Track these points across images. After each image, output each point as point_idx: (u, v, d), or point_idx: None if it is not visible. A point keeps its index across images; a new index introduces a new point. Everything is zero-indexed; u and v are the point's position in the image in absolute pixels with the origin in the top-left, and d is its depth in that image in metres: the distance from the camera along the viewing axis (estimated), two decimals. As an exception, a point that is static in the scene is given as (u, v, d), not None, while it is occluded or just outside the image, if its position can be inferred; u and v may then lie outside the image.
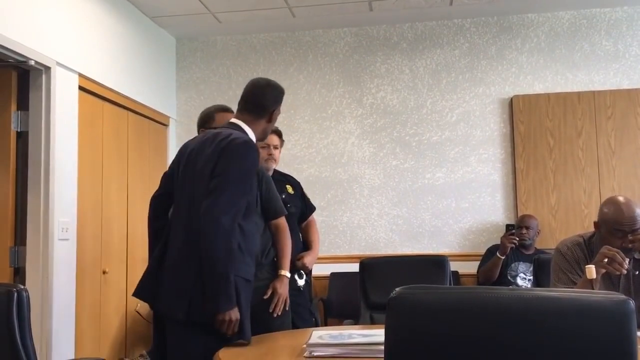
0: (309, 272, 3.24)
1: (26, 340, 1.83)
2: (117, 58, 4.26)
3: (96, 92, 3.97)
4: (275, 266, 2.77)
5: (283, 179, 3.32)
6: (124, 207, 4.29)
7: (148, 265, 2.41)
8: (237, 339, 2.13)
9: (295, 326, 2.89)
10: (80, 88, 3.77)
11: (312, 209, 3.42)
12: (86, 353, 3.72)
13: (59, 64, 3.52)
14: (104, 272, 3.97)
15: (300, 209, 3.30)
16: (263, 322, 2.54)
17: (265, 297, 2.63)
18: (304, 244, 3.30)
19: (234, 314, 2.08)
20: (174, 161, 2.49)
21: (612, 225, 2.40)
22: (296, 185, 3.36)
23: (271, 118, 2.40)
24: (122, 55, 4.33)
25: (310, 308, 3.28)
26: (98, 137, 4.01)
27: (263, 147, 3.12)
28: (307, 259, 3.16)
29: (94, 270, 3.88)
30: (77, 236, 3.66)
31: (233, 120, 2.38)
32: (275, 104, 2.41)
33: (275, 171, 3.27)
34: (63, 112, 3.54)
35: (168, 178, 2.50)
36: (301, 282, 3.13)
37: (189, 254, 2.16)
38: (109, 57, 4.16)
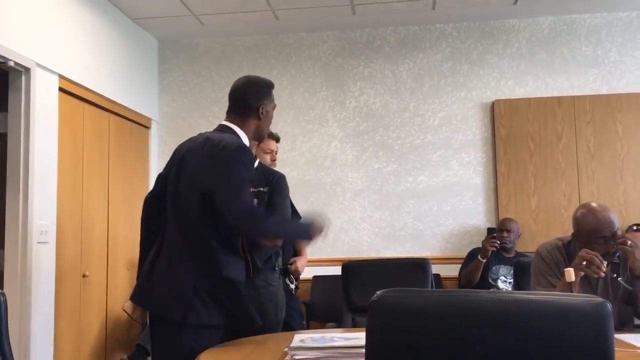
0: (298, 276, 3.41)
1: (3, 345, 1.81)
2: (98, 59, 4.22)
3: (77, 93, 3.93)
4: (274, 274, 2.78)
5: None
6: (104, 210, 4.25)
7: (143, 269, 2.30)
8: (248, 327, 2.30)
9: (288, 326, 2.98)
10: (61, 89, 3.74)
11: (297, 216, 3.45)
12: (65, 358, 3.68)
13: (38, 65, 3.48)
14: (83, 276, 3.93)
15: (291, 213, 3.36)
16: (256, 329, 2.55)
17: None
18: (293, 250, 3.43)
19: (316, 231, 2.28)
20: (168, 162, 2.42)
21: (593, 235, 2.42)
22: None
23: (259, 115, 2.32)
24: (103, 57, 4.30)
25: (300, 313, 3.43)
26: (79, 139, 3.97)
27: (267, 153, 3.25)
28: (299, 264, 3.33)
29: (73, 274, 3.83)
30: (57, 239, 3.61)
31: (224, 122, 2.34)
32: (258, 100, 2.33)
33: None
34: (43, 113, 3.50)
35: (162, 179, 2.42)
36: (293, 286, 3.29)
37: (187, 257, 2.15)
38: (90, 58, 4.12)
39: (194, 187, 2.16)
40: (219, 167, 2.14)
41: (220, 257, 2.15)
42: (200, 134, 2.35)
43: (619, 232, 2.45)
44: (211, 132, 2.33)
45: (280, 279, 2.84)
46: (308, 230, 2.29)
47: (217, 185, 2.11)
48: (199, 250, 2.16)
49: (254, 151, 2.89)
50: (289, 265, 3.27)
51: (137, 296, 2.26)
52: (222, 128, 2.32)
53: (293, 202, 3.47)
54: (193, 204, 2.15)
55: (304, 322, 3.53)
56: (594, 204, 2.50)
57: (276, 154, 3.35)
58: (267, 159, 3.26)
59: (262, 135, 2.43)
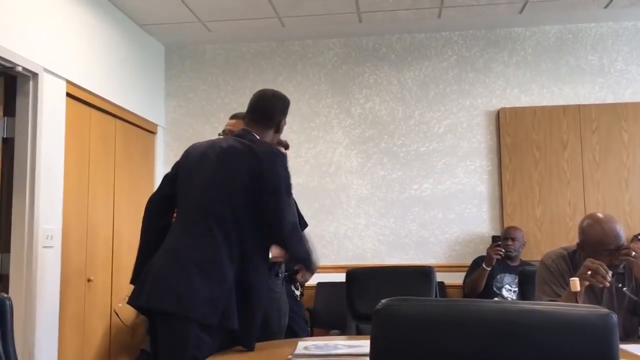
0: (304, 283, 3.42)
1: (8, 349, 1.82)
2: (105, 65, 4.25)
3: (84, 99, 3.95)
4: (278, 282, 2.78)
5: None
6: (109, 215, 4.27)
7: (155, 271, 2.23)
8: (241, 342, 2.21)
9: (293, 332, 3.01)
10: (68, 95, 3.76)
11: (305, 224, 3.46)
12: (69, 362, 3.68)
13: (46, 70, 3.50)
14: (88, 280, 3.94)
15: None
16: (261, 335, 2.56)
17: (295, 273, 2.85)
18: None
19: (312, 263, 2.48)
20: (178, 162, 2.45)
21: (599, 247, 2.42)
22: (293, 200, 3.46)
23: (278, 128, 2.48)
24: (110, 63, 4.32)
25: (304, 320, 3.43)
26: (85, 145, 3.98)
27: None
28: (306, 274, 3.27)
29: (78, 278, 3.84)
30: (62, 244, 3.62)
31: (247, 129, 2.41)
32: (282, 114, 2.48)
33: None
34: (50, 118, 3.52)
35: (170, 180, 2.45)
36: (298, 292, 3.32)
37: (220, 258, 2.17)
38: (97, 64, 4.14)
39: (241, 186, 2.23)
40: (271, 172, 2.25)
41: (253, 260, 2.25)
42: (223, 137, 2.58)
43: (624, 244, 2.44)
44: (234, 137, 2.41)
45: (283, 285, 2.85)
46: (311, 268, 2.53)
47: (272, 192, 2.24)
48: (235, 252, 2.20)
49: None
50: (294, 274, 3.26)
51: (149, 296, 2.18)
52: (245, 133, 2.39)
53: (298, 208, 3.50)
54: (237, 203, 2.22)
55: (309, 329, 3.53)
56: (600, 215, 2.49)
57: None
58: None
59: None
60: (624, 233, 2.47)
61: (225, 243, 2.18)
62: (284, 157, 2.32)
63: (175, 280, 2.15)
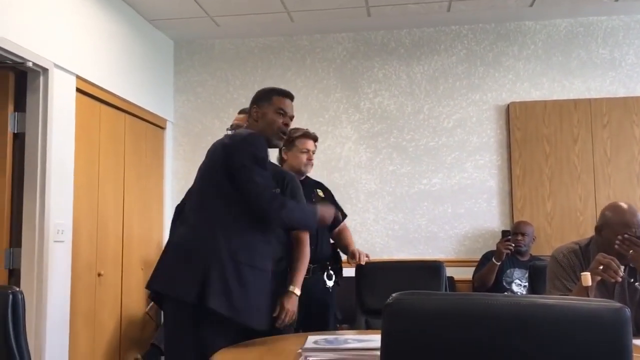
0: (339, 273, 3.33)
1: (20, 343, 1.83)
2: (114, 60, 4.26)
3: (93, 94, 3.96)
4: (286, 277, 2.75)
5: (314, 184, 3.44)
6: (119, 209, 4.29)
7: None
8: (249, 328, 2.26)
9: (321, 325, 3.00)
10: (78, 90, 3.77)
11: (343, 214, 3.50)
12: (80, 356, 3.71)
13: (56, 65, 3.52)
14: (99, 275, 3.96)
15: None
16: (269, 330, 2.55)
17: (274, 314, 2.63)
18: (340, 249, 3.42)
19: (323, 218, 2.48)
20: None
21: (620, 228, 2.40)
22: (328, 191, 3.50)
23: (254, 117, 2.48)
24: (120, 58, 4.33)
25: (336, 312, 3.32)
26: (95, 140, 4.00)
27: (303, 152, 3.27)
28: (360, 252, 3.29)
29: (89, 273, 3.86)
30: (73, 238, 3.64)
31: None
32: (254, 102, 2.52)
33: (307, 177, 3.37)
34: (60, 114, 3.54)
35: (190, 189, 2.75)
36: (330, 283, 3.22)
37: (199, 243, 2.28)
38: (107, 59, 4.15)
39: (217, 173, 2.34)
40: (235, 146, 2.32)
41: (244, 239, 2.30)
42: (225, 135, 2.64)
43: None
44: (232, 131, 2.68)
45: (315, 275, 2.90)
46: (314, 221, 2.48)
47: (238, 162, 2.29)
48: (224, 233, 2.28)
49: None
50: (350, 258, 3.27)
51: (154, 281, 2.36)
52: (240, 126, 2.61)
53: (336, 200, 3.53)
54: (220, 189, 2.33)
55: (337, 324, 3.45)
56: (625, 204, 2.51)
57: (313, 153, 3.33)
58: (304, 158, 3.25)
59: (266, 136, 2.47)
60: None
61: (211, 226, 2.29)
62: (249, 137, 2.36)
63: (164, 263, 2.36)
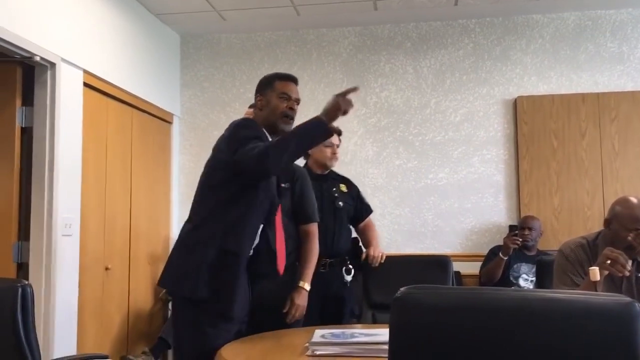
0: (359, 268, 3.29)
1: (30, 335, 1.84)
2: (121, 55, 4.27)
3: (101, 88, 3.98)
4: (295, 270, 2.76)
5: (339, 178, 3.42)
6: (127, 203, 4.30)
7: None
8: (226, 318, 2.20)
9: (335, 321, 2.99)
10: (85, 84, 3.78)
11: (367, 211, 3.49)
12: (88, 349, 3.73)
13: (64, 60, 3.53)
14: (106, 269, 3.98)
15: (354, 208, 3.38)
16: (277, 323, 2.55)
17: (284, 310, 2.63)
18: (364, 245, 3.40)
19: (336, 110, 2.33)
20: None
21: (629, 222, 2.39)
22: (352, 186, 3.46)
23: (258, 106, 2.42)
24: (126, 52, 4.34)
25: (353, 307, 3.31)
26: (102, 134, 4.01)
27: (328, 147, 3.23)
28: (374, 252, 3.23)
29: (96, 267, 3.88)
30: (80, 232, 3.66)
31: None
32: (257, 90, 2.45)
33: (332, 172, 3.37)
34: (67, 108, 3.55)
35: None
36: (348, 278, 3.19)
37: (194, 236, 2.26)
38: (114, 54, 4.16)
39: (215, 163, 2.32)
40: (229, 135, 2.30)
41: (234, 230, 2.23)
42: None
43: None
44: None
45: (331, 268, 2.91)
46: (320, 124, 2.27)
47: (233, 148, 2.22)
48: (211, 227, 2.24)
49: None
50: (362, 260, 3.23)
51: (161, 278, 2.36)
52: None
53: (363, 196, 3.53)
54: (210, 171, 2.32)
55: (357, 315, 3.44)
56: (636, 198, 2.48)
57: (337, 147, 3.31)
58: (328, 152, 3.24)
59: (270, 124, 2.39)
60: None
61: (205, 219, 2.26)
62: (241, 122, 2.35)
63: (169, 259, 2.34)
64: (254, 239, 2.32)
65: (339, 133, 3.36)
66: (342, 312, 3.19)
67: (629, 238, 2.35)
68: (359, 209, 3.41)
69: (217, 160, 2.32)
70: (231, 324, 2.22)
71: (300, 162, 3.53)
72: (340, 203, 3.24)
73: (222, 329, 2.17)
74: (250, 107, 3.02)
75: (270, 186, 2.37)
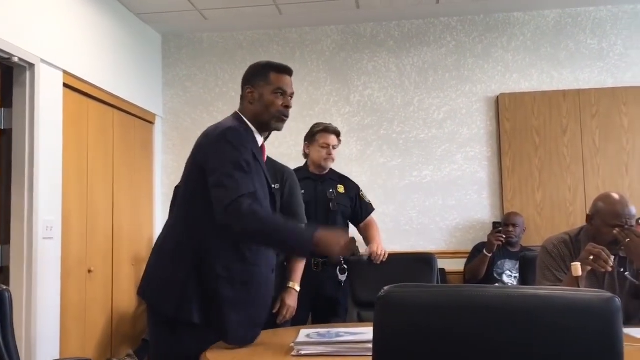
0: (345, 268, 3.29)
1: (8, 341, 1.81)
2: (102, 55, 4.22)
3: (81, 89, 3.93)
4: (283, 270, 2.75)
5: (337, 179, 3.43)
6: (109, 205, 4.26)
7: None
8: (222, 340, 2.00)
9: (329, 320, 3.00)
10: (65, 85, 3.73)
11: (367, 211, 3.49)
12: (71, 353, 3.69)
13: (43, 60, 3.48)
14: (89, 271, 3.94)
15: (351, 209, 3.39)
16: (266, 323, 2.54)
17: (274, 310, 2.61)
18: (365, 242, 3.41)
19: (328, 244, 1.88)
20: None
21: (610, 218, 2.42)
22: (351, 187, 3.47)
23: (248, 99, 2.15)
24: (107, 52, 4.29)
25: (348, 306, 3.31)
26: (83, 135, 3.97)
27: (323, 147, 3.27)
28: (377, 249, 3.21)
29: (79, 269, 3.84)
30: (62, 235, 3.62)
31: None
32: (247, 81, 2.17)
33: (332, 171, 3.38)
34: (47, 109, 3.50)
35: None
36: (342, 277, 3.21)
37: (176, 249, 2.03)
38: (94, 54, 4.12)
39: (191, 171, 2.09)
40: (211, 145, 2.02)
41: (212, 246, 1.99)
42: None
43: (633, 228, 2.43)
44: None
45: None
46: (307, 242, 1.92)
47: (211, 165, 1.97)
48: (194, 237, 2.02)
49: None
50: (368, 256, 3.21)
51: (140, 287, 2.14)
52: (232, 115, 2.21)
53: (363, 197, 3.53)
54: (190, 182, 2.08)
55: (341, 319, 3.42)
56: (617, 194, 2.51)
57: (334, 148, 3.29)
58: (323, 153, 3.26)
59: (262, 122, 2.16)
60: (635, 218, 2.46)
61: (185, 228, 2.05)
62: (228, 134, 2.01)
63: (147, 267, 2.15)
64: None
65: (337, 134, 3.37)
66: (336, 312, 3.19)
67: (615, 232, 2.37)
68: (358, 209, 3.41)
69: (198, 167, 2.06)
70: (208, 333, 2.05)
71: (300, 161, 3.56)
72: (334, 205, 3.24)
73: (196, 338, 2.02)
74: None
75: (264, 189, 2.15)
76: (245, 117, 2.16)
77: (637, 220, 4.23)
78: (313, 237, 1.90)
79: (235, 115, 2.19)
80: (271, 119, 2.17)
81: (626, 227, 2.38)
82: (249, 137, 2.09)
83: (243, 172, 1.96)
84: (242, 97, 2.19)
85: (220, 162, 1.97)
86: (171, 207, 2.34)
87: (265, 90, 2.13)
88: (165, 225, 2.19)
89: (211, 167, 1.98)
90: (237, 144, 2.00)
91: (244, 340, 2.03)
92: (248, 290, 2.03)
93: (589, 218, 2.55)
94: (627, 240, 2.35)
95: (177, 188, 2.33)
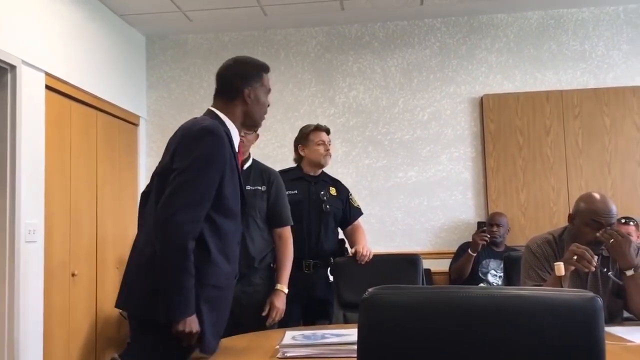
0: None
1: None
2: (85, 57, 4.19)
3: (64, 91, 3.89)
4: (270, 272, 2.75)
5: (329, 181, 3.42)
6: (93, 208, 4.22)
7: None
8: (198, 349, 1.93)
9: (326, 320, 3.03)
10: (47, 87, 3.70)
11: (356, 214, 3.49)
12: (55, 357, 3.65)
13: (24, 62, 3.44)
14: (73, 275, 3.90)
15: (342, 212, 3.39)
16: (254, 325, 2.53)
17: (263, 313, 2.60)
18: (351, 246, 3.40)
19: (191, 324, 1.84)
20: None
21: (589, 216, 2.45)
22: (342, 190, 3.47)
23: (245, 99, 2.10)
24: (90, 54, 4.26)
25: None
26: (66, 137, 3.93)
27: (319, 145, 3.27)
28: (363, 250, 3.21)
29: (62, 273, 3.80)
30: (45, 238, 3.58)
31: (210, 107, 2.15)
32: (244, 80, 2.11)
33: (324, 173, 3.40)
34: (29, 111, 3.47)
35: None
36: (332, 278, 3.23)
37: (152, 254, 1.93)
38: (77, 55, 4.08)
39: (161, 168, 2.03)
40: (182, 146, 1.96)
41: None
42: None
43: (614, 227, 2.46)
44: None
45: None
46: (182, 313, 1.83)
47: (177, 166, 1.92)
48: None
49: (252, 141, 2.85)
50: (353, 256, 3.21)
51: (119, 299, 2.05)
52: (207, 113, 2.13)
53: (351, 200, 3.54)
54: (154, 196, 2.00)
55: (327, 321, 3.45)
56: (599, 194, 2.54)
57: (329, 144, 3.34)
58: (321, 150, 3.27)
59: (253, 122, 2.17)
60: (616, 217, 2.49)
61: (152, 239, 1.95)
62: (200, 132, 1.96)
63: (125, 275, 2.06)
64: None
65: (327, 131, 3.39)
66: (328, 313, 3.20)
67: (598, 234, 2.39)
68: (347, 212, 3.43)
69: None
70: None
71: (285, 162, 3.55)
72: (328, 206, 3.26)
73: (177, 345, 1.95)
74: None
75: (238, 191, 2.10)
76: (231, 115, 2.11)
77: (619, 220, 4.30)
78: (184, 316, 1.83)
79: (213, 115, 2.11)
80: (261, 119, 2.20)
81: (608, 228, 2.40)
82: (225, 140, 2.02)
83: (203, 178, 1.91)
84: (233, 96, 2.12)
85: (188, 163, 1.92)
86: (140, 213, 2.23)
87: (260, 92, 2.14)
88: (141, 230, 2.11)
89: (179, 165, 1.93)
90: (208, 145, 1.95)
91: (210, 349, 1.95)
92: (217, 292, 1.97)
93: (571, 217, 2.57)
94: (611, 241, 2.37)
95: (144, 194, 2.24)
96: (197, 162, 1.92)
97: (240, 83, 2.11)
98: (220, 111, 2.11)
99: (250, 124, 2.19)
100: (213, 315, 1.93)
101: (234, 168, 2.04)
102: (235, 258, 2.05)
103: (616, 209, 2.47)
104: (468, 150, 4.88)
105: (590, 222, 2.44)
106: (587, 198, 2.53)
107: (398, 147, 4.94)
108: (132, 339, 2.10)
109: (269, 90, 2.19)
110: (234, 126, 2.10)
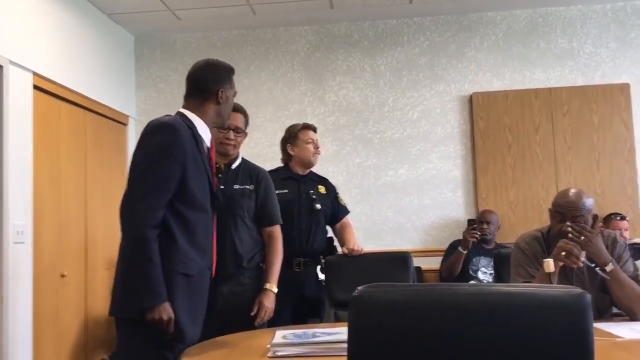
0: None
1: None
2: (73, 56, 4.16)
3: (52, 91, 3.87)
4: (259, 271, 2.74)
5: (318, 179, 3.44)
6: (82, 208, 4.20)
7: None
8: (177, 341, 1.98)
9: (317, 319, 3.04)
10: (35, 87, 3.67)
11: (344, 211, 3.50)
12: (45, 359, 3.63)
13: (12, 62, 3.42)
14: (62, 276, 3.87)
15: (331, 209, 3.40)
16: (243, 325, 2.52)
17: (252, 313, 2.60)
18: (340, 244, 3.43)
19: (162, 311, 1.89)
20: None
21: (554, 208, 2.48)
22: (330, 188, 3.48)
23: (218, 99, 2.20)
24: (78, 54, 4.23)
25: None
26: (54, 137, 3.90)
27: (309, 143, 3.29)
28: (355, 246, 3.25)
29: (52, 274, 3.78)
30: (34, 239, 3.56)
31: (180, 109, 2.22)
32: (217, 82, 2.21)
33: (312, 172, 3.40)
34: (17, 111, 3.44)
35: None
36: (323, 276, 3.22)
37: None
38: (65, 55, 4.05)
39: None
40: (139, 142, 2.09)
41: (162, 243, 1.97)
42: None
43: (582, 221, 2.43)
44: None
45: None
46: (152, 300, 1.88)
47: (133, 160, 2.07)
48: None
49: (214, 135, 2.83)
50: (345, 251, 3.25)
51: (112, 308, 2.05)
52: (176, 114, 2.19)
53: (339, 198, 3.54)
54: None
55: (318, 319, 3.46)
56: (574, 188, 2.54)
57: (317, 141, 3.36)
58: (311, 148, 3.29)
59: (222, 120, 2.31)
60: (588, 212, 2.46)
61: None
62: (155, 127, 2.05)
63: (114, 285, 2.07)
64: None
65: (315, 129, 3.41)
66: (319, 311, 3.21)
67: (569, 235, 2.38)
68: (336, 210, 3.43)
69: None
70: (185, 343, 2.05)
71: (275, 161, 3.55)
72: (318, 205, 3.26)
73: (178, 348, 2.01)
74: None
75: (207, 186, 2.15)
76: (204, 116, 2.20)
77: (615, 217, 4.31)
78: (153, 303, 1.88)
79: (181, 115, 2.18)
80: (228, 118, 2.38)
81: (576, 224, 2.38)
82: (185, 134, 2.07)
83: (158, 169, 2.00)
84: (206, 96, 2.21)
85: (142, 156, 2.04)
86: None
87: (230, 93, 2.27)
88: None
89: (134, 159, 2.06)
90: (161, 138, 2.03)
91: (189, 337, 2.01)
92: (188, 280, 2.02)
93: (549, 212, 2.60)
94: (582, 238, 2.36)
95: None
96: (151, 153, 2.02)
97: (214, 84, 2.22)
98: (192, 112, 2.20)
99: (220, 122, 2.33)
100: (187, 304, 1.99)
101: (200, 163, 2.10)
102: (206, 249, 2.13)
103: (589, 204, 2.45)
104: (458, 148, 4.89)
105: (555, 214, 2.47)
106: (561, 192, 2.56)
107: (388, 145, 4.94)
108: (119, 339, 2.12)
109: (235, 92, 2.32)
110: (205, 126, 2.20)
